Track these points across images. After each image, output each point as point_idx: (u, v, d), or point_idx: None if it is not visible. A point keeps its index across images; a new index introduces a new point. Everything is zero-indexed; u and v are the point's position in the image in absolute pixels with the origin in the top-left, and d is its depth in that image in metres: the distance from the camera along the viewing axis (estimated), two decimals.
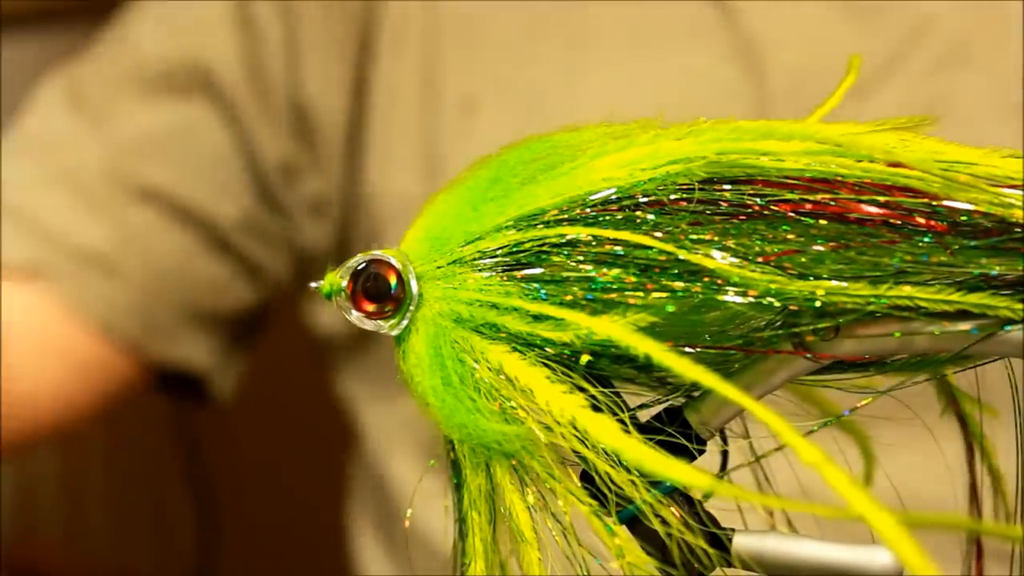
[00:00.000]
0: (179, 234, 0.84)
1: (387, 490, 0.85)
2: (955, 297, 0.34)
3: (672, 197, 0.36)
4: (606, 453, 0.34)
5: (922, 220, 0.35)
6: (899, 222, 0.35)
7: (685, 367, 0.33)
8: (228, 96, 0.84)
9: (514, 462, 0.36)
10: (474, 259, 0.37)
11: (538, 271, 0.37)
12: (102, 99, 0.85)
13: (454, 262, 0.38)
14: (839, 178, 0.36)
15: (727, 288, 0.35)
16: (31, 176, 0.84)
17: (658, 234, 0.36)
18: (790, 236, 0.35)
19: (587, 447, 0.35)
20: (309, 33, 0.84)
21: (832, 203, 0.35)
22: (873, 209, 0.35)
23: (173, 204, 0.84)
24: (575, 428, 0.34)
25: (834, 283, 0.34)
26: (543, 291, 0.36)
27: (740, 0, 0.76)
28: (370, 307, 0.38)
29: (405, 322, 0.38)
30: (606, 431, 0.34)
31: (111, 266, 0.83)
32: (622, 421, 0.35)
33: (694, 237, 0.36)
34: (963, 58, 0.73)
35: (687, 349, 0.36)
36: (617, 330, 0.34)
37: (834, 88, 0.41)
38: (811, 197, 0.36)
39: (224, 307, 0.87)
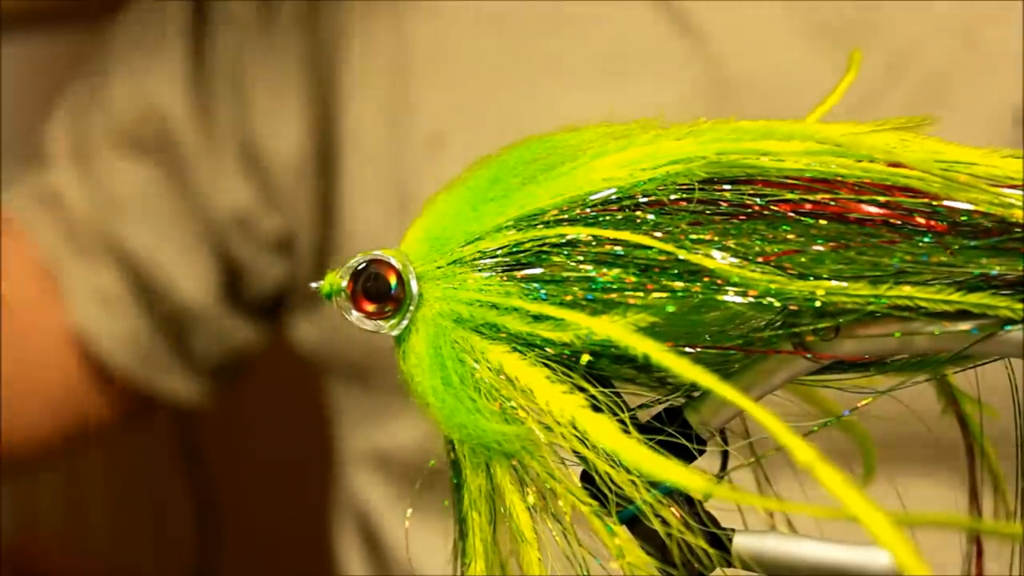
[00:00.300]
0: (142, 306, 0.85)
1: (371, 517, 0.85)
2: (955, 297, 0.34)
3: (672, 197, 0.36)
4: (606, 453, 0.34)
5: (922, 220, 0.35)
6: (899, 222, 0.35)
7: (684, 367, 0.33)
8: (180, 149, 0.84)
9: (514, 462, 0.36)
10: (474, 259, 0.37)
11: (538, 271, 0.37)
12: (94, 149, 0.85)
13: (454, 262, 0.38)
14: (839, 178, 0.36)
15: (727, 288, 0.35)
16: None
17: (658, 234, 0.36)
18: (790, 236, 0.35)
19: (587, 447, 0.35)
20: (258, 76, 0.84)
21: (832, 203, 0.35)
22: (873, 209, 0.35)
23: (139, 270, 0.85)
24: (575, 428, 0.34)
25: (834, 283, 0.34)
26: (543, 291, 0.36)
27: (709, 25, 0.75)
28: (370, 307, 0.38)
29: (405, 322, 0.38)
30: (605, 432, 0.34)
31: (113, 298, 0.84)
32: (622, 421, 0.35)
33: (694, 237, 0.36)
34: (942, 95, 0.72)
35: (687, 349, 0.36)
36: (617, 330, 0.34)
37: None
38: (811, 197, 0.36)
39: (209, 354, 0.88)
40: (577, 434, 0.34)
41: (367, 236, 0.79)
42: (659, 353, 0.34)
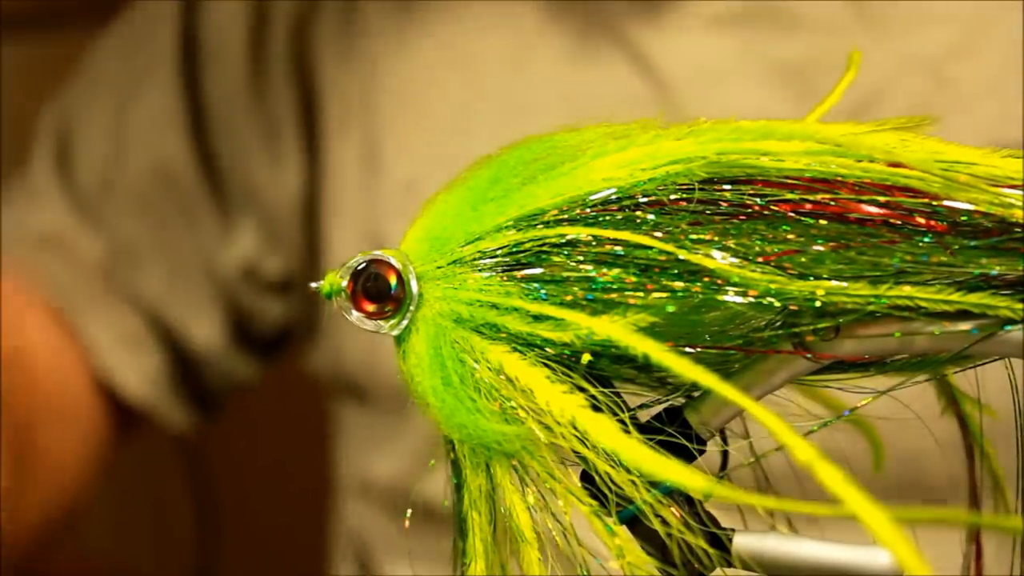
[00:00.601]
0: (159, 346, 0.86)
1: (363, 541, 0.85)
2: (955, 297, 0.34)
3: (672, 197, 0.36)
4: (606, 453, 0.34)
5: (922, 220, 0.35)
6: (899, 222, 0.35)
7: (684, 367, 0.33)
8: (187, 199, 0.85)
9: (514, 462, 0.36)
10: (474, 259, 0.37)
11: (538, 271, 0.37)
12: (98, 197, 0.86)
13: (454, 262, 0.38)
14: (839, 178, 0.36)
15: (727, 288, 0.35)
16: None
17: (658, 234, 0.36)
18: (790, 236, 0.35)
19: (587, 447, 0.35)
20: (251, 120, 0.84)
21: (832, 203, 0.35)
22: (873, 209, 0.35)
23: (155, 315, 0.86)
24: (575, 428, 0.34)
25: (834, 283, 0.34)
26: (543, 291, 0.36)
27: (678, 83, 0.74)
28: (370, 307, 0.38)
29: (405, 322, 0.38)
30: (605, 432, 0.34)
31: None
32: (622, 421, 0.35)
33: (694, 237, 0.36)
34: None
35: (687, 349, 0.36)
36: (617, 330, 0.34)
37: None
38: (811, 197, 0.35)
39: (214, 389, 0.89)
40: (577, 434, 0.34)
41: None
42: (659, 353, 0.34)
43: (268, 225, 0.85)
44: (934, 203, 0.35)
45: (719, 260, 0.35)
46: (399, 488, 0.81)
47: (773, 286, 0.34)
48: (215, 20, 0.85)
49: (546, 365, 0.36)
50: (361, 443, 0.85)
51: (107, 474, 0.88)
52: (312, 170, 0.83)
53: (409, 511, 0.78)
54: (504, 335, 0.36)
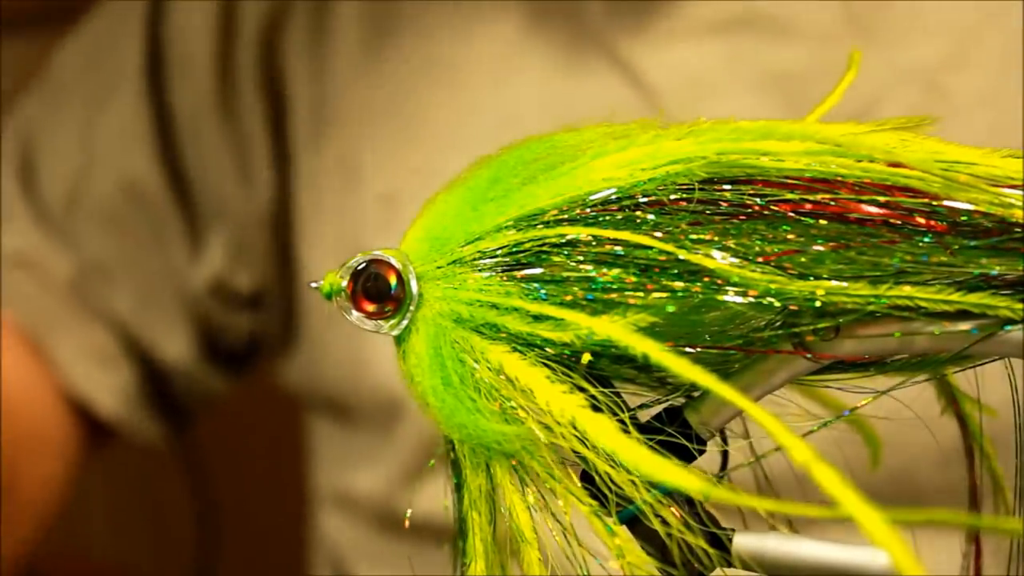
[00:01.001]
0: (130, 361, 0.86)
1: (340, 555, 0.85)
2: (955, 297, 0.34)
3: (672, 197, 0.36)
4: (605, 453, 0.34)
5: (922, 220, 0.35)
6: (899, 222, 0.35)
7: (683, 367, 0.33)
8: (156, 213, 0.84)
9: (514, 462, 0.36)
10: (474, 259, 0.37)
11: (538, 271, 0.37)
12: (66, 214, 0.85)
13: (454, 262, 0.38)
14: (839, 178, 0.36)
15: (727, 288, 0.35)
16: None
17: (658, 234, 0.36)
18: (790, 236, 0.35)
19: (587, 447, 0.35)
20: (219, 135, 0.83)
21: (832, 203, 0.35)
22: (873, 209, 0.35)
23: (126, 332, 0.85)
24: (575, 428, 0.34)
25: (834, 283, 0.34)
26: (543, 291, 0.36)
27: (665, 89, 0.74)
28: (370, 307, 0.38)
29: (405, 322, 0.38)
30: (605, 432, 0.34)
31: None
32: (622, 421, 0.35)
33: (694, 237, 0.36)
34: None
35: (687, 349, 0.36)
36: (617, 330, 0.34)
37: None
38: (811, 197, 0.35)
39: (184, 402, 0.89)
40: (577, 434, 0.34)
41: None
42: (659, 353, 0.34)
43: (238, 240, 0.84)
44: (934, 203, 0.35)
45: (719, 260, 0.35)
46: (379, 503, 0.80)
47: (773, 286, 0.34)
48: (181, 29, 0.83)
49: (546, 365, 0.36)
50: (339, 458, 0.85)
51: (107, 474, 0.88)
52: (284, 183, 0.83)
53: (397, 523, 0.78)
54: (504, 335, 0.36)
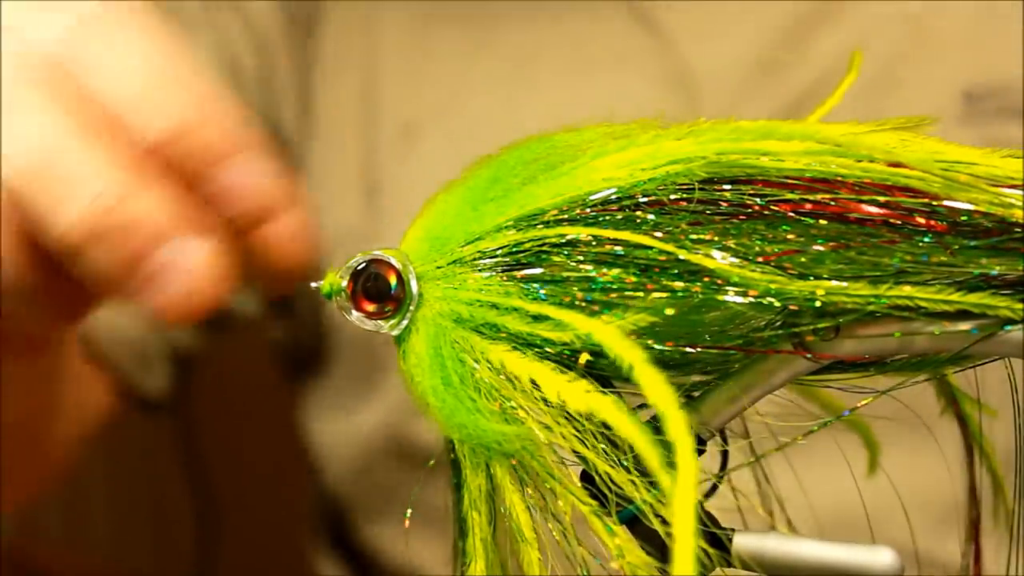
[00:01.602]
0: None
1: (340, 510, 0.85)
2: (955, 297, 0.34)
3: (672, 197, 0.36)
4: (606, 452, 0.34)
5: (922, 220, 0.35)
6: (899, 222, 0.35)
7: (655, 388, 0.33)
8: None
9: (514, 462, 0.36)
10: (474, 259, 0.37)
11: (538, 271, 0.37)
12: None
13: (454, 262, 0.38)
14: (839, 178, 0.36)
15: (727, 288, 0.35)
16: None
17: (658, 234, 0.36)
18: (790, 236, 0.35)
19: (587, 447, 0.35)
20: (279, 60, 0.84)
21: (832, 203, 0.35)
22: (873, 209, 0.35)
23: None
24: (591, 417, 0.34)
25: (834, 283, 0.34)
26: (543, 291, 0.36)
27: (673, 19, 0.76)
28: (370, 307, 0.38)
29: (405, 322, 0.38)
30: (624, 420, 0.34)
31: None
32: None
33: (694, 237, 0.36)
34: (894, 79, 0.74)
35: (687, 349, 0.36)
36: (607, 336, 0.34)
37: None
38: (811, 197, 0.35)
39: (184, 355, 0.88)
40: (592, 424, 0.34)
41: (333, 227, 0.80)
42: (641, 367, 0.33)
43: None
44: (934, 203, 0.35)
45: (719, 260, 0.35)
46: (386, 434, 0.81)
47: (773, 286, 0.34)
48: None
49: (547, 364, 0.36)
50: (330, 409, 0.85)
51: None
52: (304, 114, 0.83)
53: (407, 450, 0.78)
54: (504, 335, 0.36)
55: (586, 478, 0.36)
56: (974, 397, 0.42)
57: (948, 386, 0.42)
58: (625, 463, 0.35)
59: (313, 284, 0.39)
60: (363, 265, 0.38)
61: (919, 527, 0.50)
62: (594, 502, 0.35)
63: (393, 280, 0.38)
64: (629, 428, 0.33)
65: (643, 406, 0.37)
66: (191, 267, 0.39)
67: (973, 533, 0.42)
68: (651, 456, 0.33)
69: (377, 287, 0.38)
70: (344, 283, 0.38)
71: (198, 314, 0.39)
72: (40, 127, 0.39)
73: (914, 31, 0.75)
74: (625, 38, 0.76)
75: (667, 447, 0.35)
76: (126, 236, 0.39)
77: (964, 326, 0.34)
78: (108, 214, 0.38)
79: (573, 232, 0.36)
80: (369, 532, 0.85)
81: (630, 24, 0.76)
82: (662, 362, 0.35)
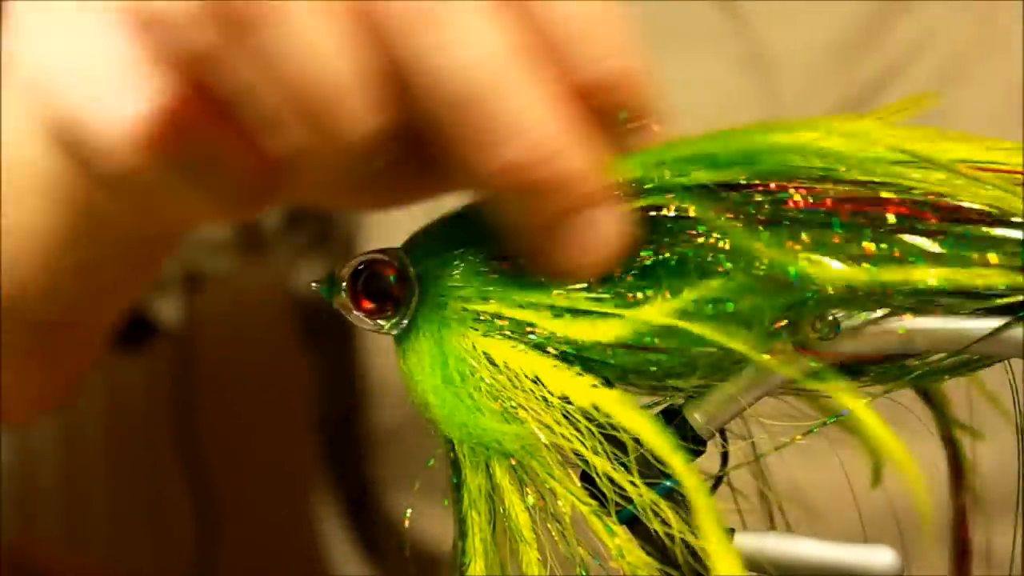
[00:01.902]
0: None
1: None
2: (984, 272, 0.33)
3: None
4: (606, 452, 0.34)
5: (927, 216, 0.35)
6: (907, 217, 0.35)
7: (629, 417, 0.33)
8: None
9: (514, 462, 0.36)
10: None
11: None
12: None
13: (455, 259, 0.38)
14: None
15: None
16: None
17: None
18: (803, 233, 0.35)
19: (587, 447, 0.35)
20: None
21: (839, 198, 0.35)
22: (883, 205, 0.35)
23: None
24: (595, 411, 0.34)
25: (839, 276, 0.34)
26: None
27: (751, 2, 0.76)
28: (370, 306, 0.38)
29: (406, 321, 0.38)
30: (629, 413, 0.34)
31: None
32: None
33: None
34: (962, 71, 0.74)
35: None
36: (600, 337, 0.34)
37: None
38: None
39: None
40: (597, 418, 0.34)
41: None
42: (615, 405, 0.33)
43: None
44: (940, 200, 0.35)
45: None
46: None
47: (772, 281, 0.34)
48: None
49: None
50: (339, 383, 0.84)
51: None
52: None
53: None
54: (507, 332, 0.36)
55: (586, 478, 0.36)
56: (966, 422, 0.42)
57: (940, 407, 0.42)
58: (625, 463, 0.35)
59: (313, 284, 0.39)
60: (363, 264, 0.38)
61: (919, 527, 0.50)
62: (594, 502, 0.35)
63: (393, 279, 0.38)
64: (636, 420, 0.33)
65: (643, 406, 0.37)
66: (602, 239, 0.35)
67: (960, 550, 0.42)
68: (661, 445, 0.33)
69: (377, 286, 0.38)
70: (344, 282, 0.38)
71: (589, 278, 0.36)
72: (490, 44, 0.34)
73: (982, 19, 0.75)
74: (703, 18, 0.76)
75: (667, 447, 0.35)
76: (549, 194, 0.34)
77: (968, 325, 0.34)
78: (538, 167, 0.34)
79: None
80: (393, 501, 0.84)
81: (708, 5, 0.76)
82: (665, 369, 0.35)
